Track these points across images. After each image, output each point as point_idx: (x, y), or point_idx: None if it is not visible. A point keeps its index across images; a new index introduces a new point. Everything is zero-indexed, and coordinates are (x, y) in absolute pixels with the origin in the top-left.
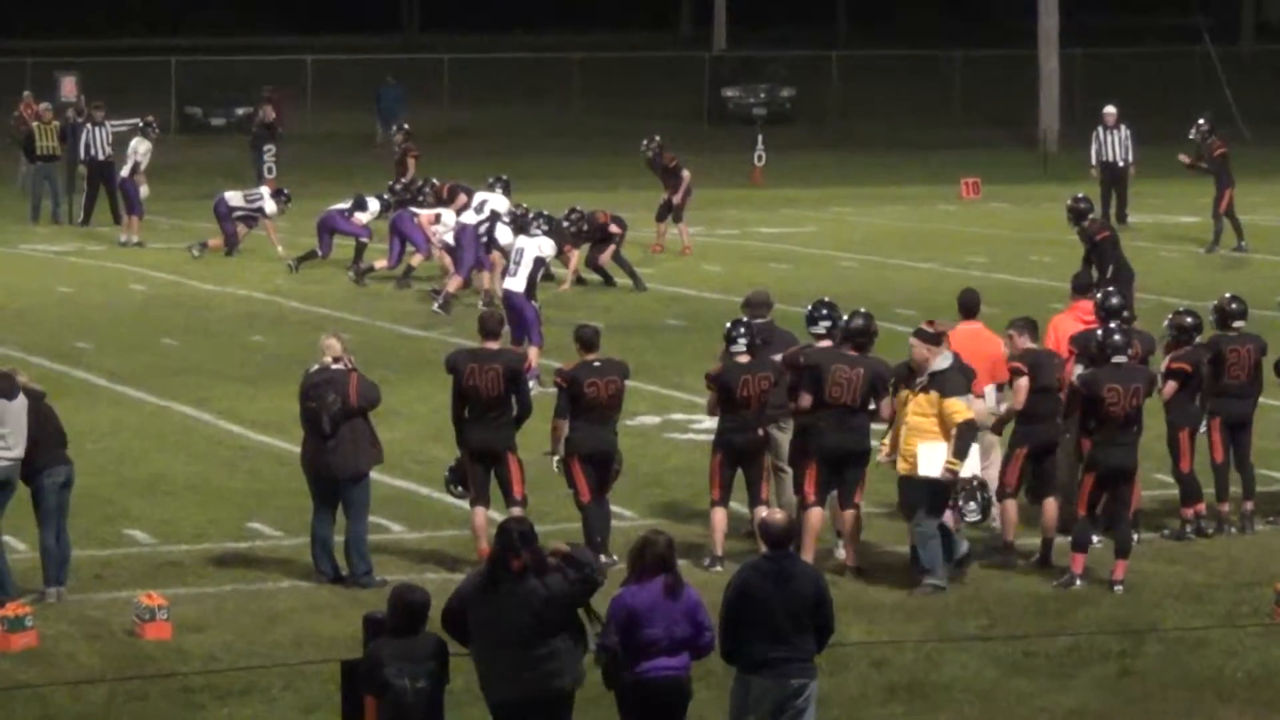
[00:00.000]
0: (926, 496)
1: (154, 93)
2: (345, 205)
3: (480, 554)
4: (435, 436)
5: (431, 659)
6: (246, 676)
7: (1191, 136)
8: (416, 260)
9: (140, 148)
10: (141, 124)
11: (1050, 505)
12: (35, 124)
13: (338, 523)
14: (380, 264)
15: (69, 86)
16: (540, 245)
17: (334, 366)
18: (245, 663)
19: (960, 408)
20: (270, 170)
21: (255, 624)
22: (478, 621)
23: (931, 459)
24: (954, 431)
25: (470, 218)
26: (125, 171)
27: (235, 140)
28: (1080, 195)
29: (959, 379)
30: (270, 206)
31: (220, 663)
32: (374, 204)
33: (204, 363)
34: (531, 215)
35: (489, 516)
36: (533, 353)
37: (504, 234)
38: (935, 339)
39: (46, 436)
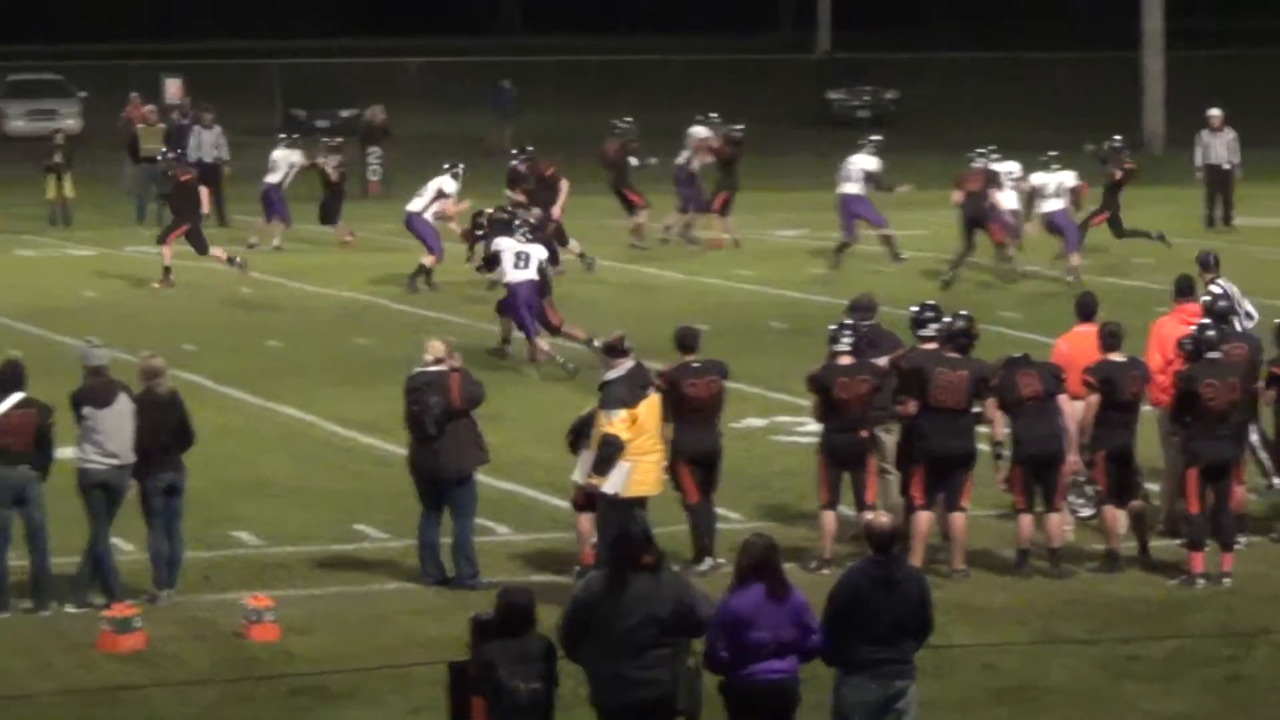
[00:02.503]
0: (606, 510)
1: (258, 95)
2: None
3: (583, 558)
4: (540, 439)
5: (541, 660)
6: (353, 679)
7: (1090, 148)
8: (429, 261)
9: (293, 158)
10: (287, 138)
11: (1133, 507)
12: (140, 126)
13: (444, 525)
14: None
15: (174, 89)
16: (539, 250)
17: (434, 368)
18: (351, 665)
19: (602, 420)
20: (375, 172)
21: (361, 626)
22: (599, 625)
23: (582, 468)
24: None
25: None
26: (274, 179)
27: (339, 142)
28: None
29: (618, 391)
30: (449, 185)
31: (327, 665)
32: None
33: (308, 365)
34: (517, 222)
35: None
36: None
37: None
38: (610, 350)
39: (155, 439)
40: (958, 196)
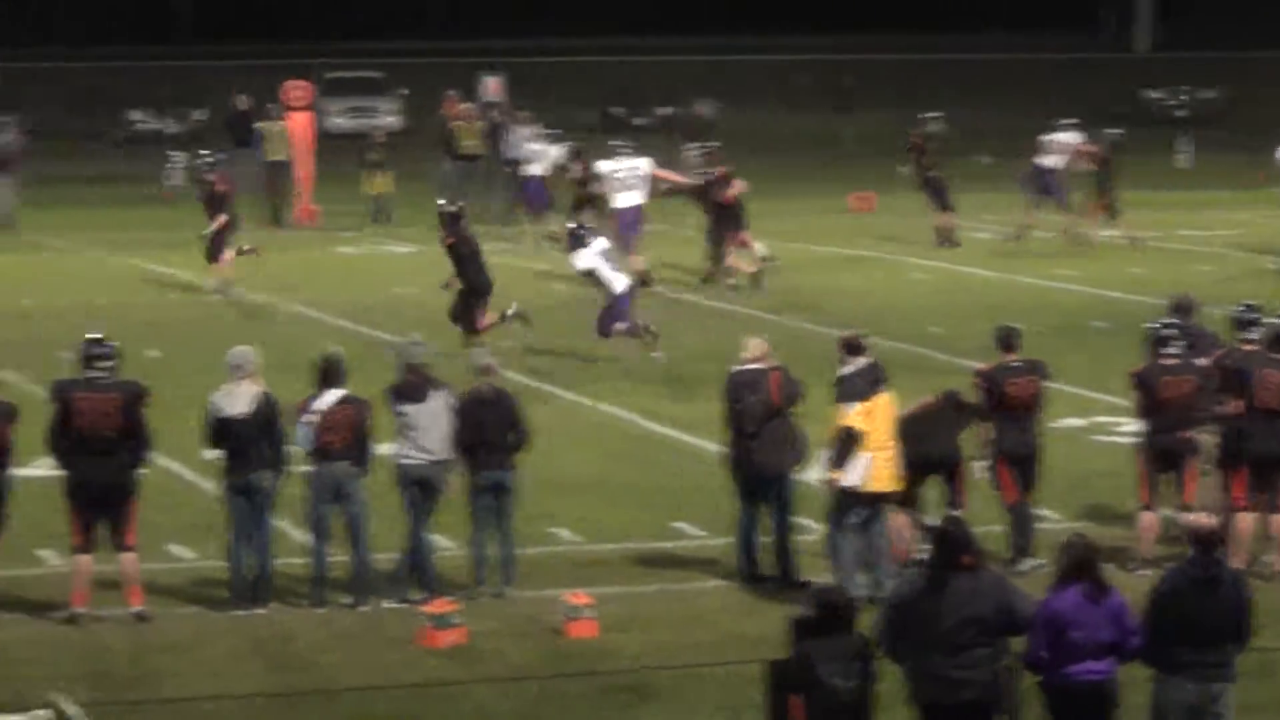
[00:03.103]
0: (845, 505)
1: (577, 93)
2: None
3: (899, 556)
4: None
5: (859, 658)
6: (671, 676)
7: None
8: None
9: (553, 151)
10: (549, 132)
11: None
12: (457, 123)
13: (763, 523)
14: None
15: (493, 86)
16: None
17: (753, 366)
18: (670, 662)
19: (839, 414)
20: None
21: (680, 624)
22: (919, 624)
23: (822, 465)
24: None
25: None
26: (537, 170)
27: (657, 140)
28: None
29: (854, 385)
30: (647, 164)
31: (645, 662)
32: None
33: (626, 362)
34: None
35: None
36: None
37: None
38: (845, 347)
39: (479, 437)
40: None
